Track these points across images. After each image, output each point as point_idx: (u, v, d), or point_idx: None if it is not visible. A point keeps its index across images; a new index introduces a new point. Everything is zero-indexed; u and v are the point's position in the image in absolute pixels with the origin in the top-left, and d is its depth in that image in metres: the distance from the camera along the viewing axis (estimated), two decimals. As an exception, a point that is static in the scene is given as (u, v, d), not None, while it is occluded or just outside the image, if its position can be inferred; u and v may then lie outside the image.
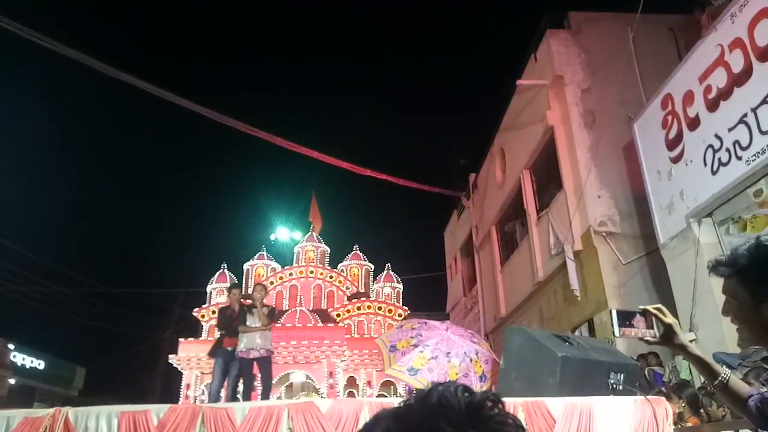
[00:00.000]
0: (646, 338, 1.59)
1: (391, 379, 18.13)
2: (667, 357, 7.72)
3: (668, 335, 1.60)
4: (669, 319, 1.60)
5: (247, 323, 7.13)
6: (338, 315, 25.17)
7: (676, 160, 7.36)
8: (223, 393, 7.24)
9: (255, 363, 7.12)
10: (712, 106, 6.60)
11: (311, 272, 26.93)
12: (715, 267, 1.44)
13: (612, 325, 1.62)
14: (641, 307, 1.62)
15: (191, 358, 20.45)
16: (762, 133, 5.80)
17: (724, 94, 6.39)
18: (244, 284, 27.51)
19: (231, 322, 7.28)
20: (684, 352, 1.61)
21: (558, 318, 10.94)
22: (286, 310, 25.40)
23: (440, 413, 0.68)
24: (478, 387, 5.37)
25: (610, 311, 1.61)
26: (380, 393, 22.03)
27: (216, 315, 7.94)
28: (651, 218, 8.03)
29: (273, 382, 7.35)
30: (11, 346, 26.31)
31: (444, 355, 5.49)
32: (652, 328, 1.60)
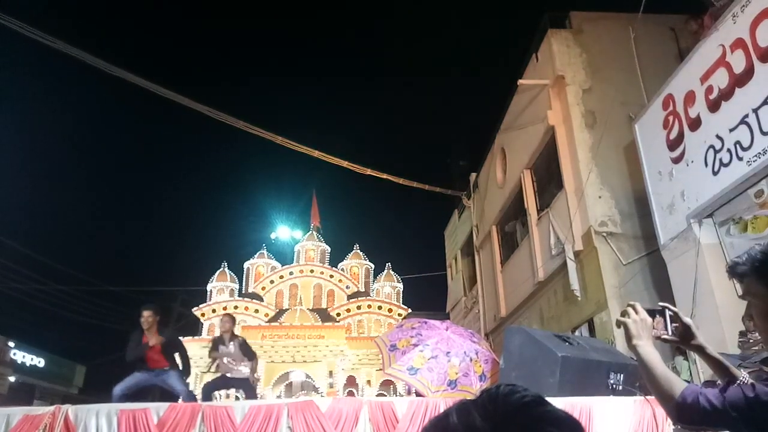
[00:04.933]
0: (663, 337, 1.59)
1: (391, 379, 18.14)
2: (667, 357, 7.72)
3: (686, 335, 1.60)
4: (687, 319, 1.60)
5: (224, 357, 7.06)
6: (338, 314, 25.18)
7: (677, 160, 7.35)
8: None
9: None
10: (714, 106, 6.58)
11: (311, 271, 26.96)
12: (732, 267, 1.45)
13: None
14: (660, 304, 1.62)
15: (191, 357, 20.47)
16: (763, 133, 5.78)
17: (726, 94, 6.38)
18: (244, 282, 27.55)
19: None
20: (701, 353, 1.61)
21: (558, 318, 10.94)
22: (286, 309, 25.42)
23: (478, 410, 0.65)
24: (477, 387, 5.37)
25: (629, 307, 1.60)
26: (380, 392, 22.05)
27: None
28: (652, 218, 8.02)
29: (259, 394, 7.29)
30: (11, 344, 26.34)
31: (444, 355, 5.49)
32: (666, 329, 1.60)
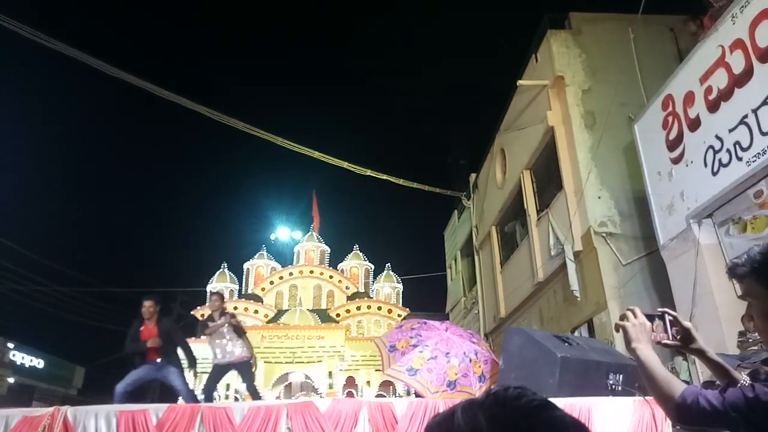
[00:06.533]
0: (663, 342, 1.59)
1: (391, 380, 18.12)
2: (666, 359, 7.72)
3: (686, 339, 1.60)
4: (686, 322, 1.60)
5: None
6: (338, 315, 25.14)
7: (676, 160, 7.36)
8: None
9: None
10: (713, 107, 6.59)
11: (311, 272, 26.91)
12: (731, 268, 1.45)
13: None
14: (660, 309, 1.62)
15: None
16: (762, 134, 5.79)
17: (725, 95, 6.38)
18: (244, 283, 27.53)
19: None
20: (701, 356, 1.61)
21: (558, 318, 10.94)
22: (286, 310, 25.40)
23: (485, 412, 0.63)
24: (477, 387, 5.37)
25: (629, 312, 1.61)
26: (379, 393, 22.01)
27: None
28: (651, 219, 8.02)
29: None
30: (11, 345, 26.28)
31: (443, 356, 5.49)
32: (666, 333, 1.60)
